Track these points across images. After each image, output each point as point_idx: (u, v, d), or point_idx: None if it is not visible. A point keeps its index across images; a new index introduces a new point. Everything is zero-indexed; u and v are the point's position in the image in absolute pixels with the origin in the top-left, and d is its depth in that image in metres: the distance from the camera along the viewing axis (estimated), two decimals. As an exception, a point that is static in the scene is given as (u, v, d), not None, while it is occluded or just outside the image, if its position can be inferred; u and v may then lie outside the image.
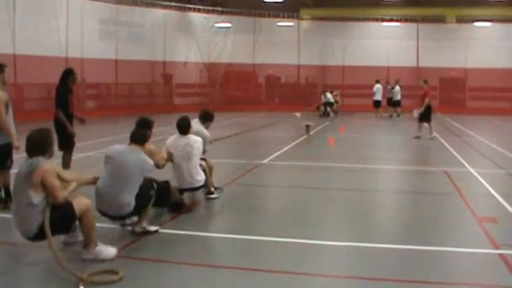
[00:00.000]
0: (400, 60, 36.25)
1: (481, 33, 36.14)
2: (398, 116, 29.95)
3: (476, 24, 36.63)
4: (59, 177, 5.96)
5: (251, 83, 39.05)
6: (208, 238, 7.13)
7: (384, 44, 36.66)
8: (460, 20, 37.11)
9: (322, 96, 31.54)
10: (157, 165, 7.57)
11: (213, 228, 7.76)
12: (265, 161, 13.55)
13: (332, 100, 31.50)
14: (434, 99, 34.81)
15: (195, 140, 8.60)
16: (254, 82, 39.18)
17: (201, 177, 8.58)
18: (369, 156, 15.39)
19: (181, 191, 8.52)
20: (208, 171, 9.03)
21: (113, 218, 6.80)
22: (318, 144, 18.12)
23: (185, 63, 35.67)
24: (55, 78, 10.38)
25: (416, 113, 19.58)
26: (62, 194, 5.74)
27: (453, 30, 36.84)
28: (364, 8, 37.78)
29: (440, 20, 37.37)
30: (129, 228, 7.02)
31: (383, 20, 37.95)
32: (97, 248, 6.00)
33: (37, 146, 5.82)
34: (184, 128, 8.66)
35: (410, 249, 6.66)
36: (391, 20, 37.76)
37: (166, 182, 7.78)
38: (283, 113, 30.53)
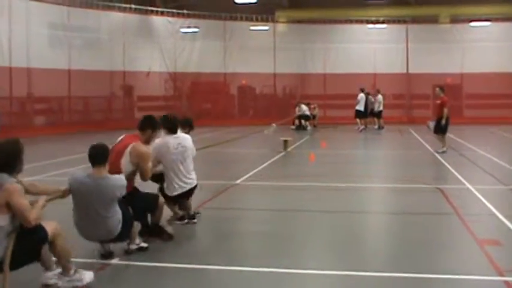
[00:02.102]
0: (388, 66, 36.67)
1: (478, 33, 36.66)
2: (382, 128, 30.17)
3: (473, 24, 37.14)
4: (27, 190, 5.84)
5: (222, 94, 39.11)
6: (177, 270, 7.00)
7: (370, 48, 37.03)
8: (455, 19, 37.62)
9: (297, 109, 31.65)
10: (144, 176, 7.62)
11: (181, 258, 7.59)
12: (238, 181, 13.46)
13: (308, 113, 31.64)
14: (427, 109, 35.31)
15: (185, 138, 8.72)
16: (225, 93, 39.24)
17: (194, 177, 8.78)
18: (355, 173, 15.39)
19: (176, 198, 8.66)
20: None
21: (107, 242, 7.02)
22: (297, 162, 18.07)
23: (148, 73, 35.56)
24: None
25: (431, 125, 19.31)
26: (33, 216, 5.53)
27: (447, 32, 37.35)
28: (347, 9, 38.13)
29: (432, 20, 37.86)
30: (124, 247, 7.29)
31: (368, 22, 38.35)
32: (77, 274, 6.05)
33: (0, 161, 5.62)
34: (174, 125, 8.68)
35: (403, 277, 6.59)
36: (377, 22, 38.17)
37: (155, 196, 7.92)
38: (258, 127, 30.53)
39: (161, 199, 8.11)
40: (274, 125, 21.53)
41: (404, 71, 37.40)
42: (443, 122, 18.77)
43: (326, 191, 12.62)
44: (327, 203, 11.27)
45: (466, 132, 28.04)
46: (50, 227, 5.79)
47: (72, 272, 6.03)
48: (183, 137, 8.81)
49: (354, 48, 37.60)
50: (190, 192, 8.89)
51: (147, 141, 7.87)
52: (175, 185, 8.62)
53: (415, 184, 13.44)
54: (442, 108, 18.89)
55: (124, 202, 6.99)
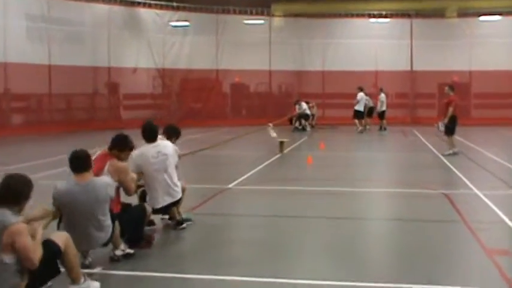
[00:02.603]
0: (391, 63, 36.65)
1: (487, 28, 36.67)
2: (385, 129, 30.17)
3: (482, 18, 37.15)
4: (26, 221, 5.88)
5: (214, 92, 39.04)
6: (162, 279, 6.96)
7: (371, 44, 37.03)
8: (462, 13, 37.55)
9: (297, 107, 31.61)
10: (128, 191, 7.76)
11: (167, 266, 7.54)
12: (231, 185, 13.46)
13: (308, 112, 31.61)
14: (432, 108, 35.33)
15: (165, 145, 8.70)
16: (217, 92, 39.18)
17: (179, 187, 8.79)
18: (355, 177, 15.39)
19: (158, 211, 8.67)
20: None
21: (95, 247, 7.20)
22: (293, 165, 18.08)
23: (134, 70, 35.49)
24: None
25: (441, 126, 19.35)
26: (37, 257, 5.57)
27: (454, 26, 37.33)
28: (347, 2, 38.16)
29: (438, 14, 37.86)
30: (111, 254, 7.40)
31: (370, 16, 38.35)
32: (86, 282, 6.25)
33: (6, 196, 5.66)
34: (152, 133, 8.65)
35: (407, 289, 6.56)
36: (380, 16, 38.17)
37: (142, 207, 8.02)
38: (252, 128, 30.47)
39: (149, 209, 8.20)
40: (270, 125, 21.47)
41: (408, 68, 37.40)
42: (446, 121, 18.93)
43: (324, 196, 12.61)
44: (324, 209, 11.23)
45: (474, 133, 28.04)
46: (60, 239, 5.97)
47: (82, 280, 6.21)
48: (162, 145, 8.75)
49: (354, 44, 37.59)
50: (175, 203, 8.89)
51: (119, 158, 7.90)
52: (160, 198, 8.60)
53: (419, 189, 13.42)
54: (448, 107, 19.02)
55: (115, 218, 7.22)
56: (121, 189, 7.87)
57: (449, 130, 18.99)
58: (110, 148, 7.93)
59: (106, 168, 7.60)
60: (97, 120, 32.16)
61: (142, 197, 8.93)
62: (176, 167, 9.07)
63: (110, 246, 7.41)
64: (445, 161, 17.72)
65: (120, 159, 7.87)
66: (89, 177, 6.86)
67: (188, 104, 38.23)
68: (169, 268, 7.35)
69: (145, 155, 8.51)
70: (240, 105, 40.66)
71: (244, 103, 40.67)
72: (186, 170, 16.77)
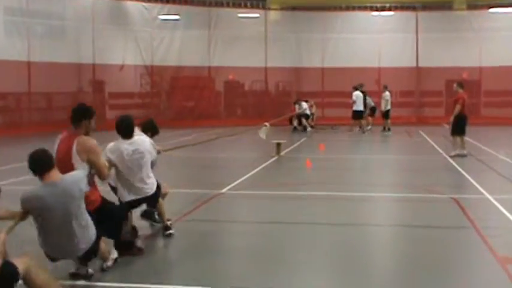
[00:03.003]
0: (395, 59, 36.70)
1: (498, 21, 36.72)
2: (389, 130, 30.15)
3: (493, 10, 37.17)
4: None
5: (206, 91, 39.06)
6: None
7: (374, 39, 37.09)
8: (472, 5, 37.67)
9: (297, 107, 31.61)
10: (100, 173, 7.57)
11: (153, 277, 7.49)
12: (224, 190, 13.43)
13: (308, 112, 31.63)
14: (439, 107, 35.34)
15: (142, 142, 8.62)
16: (210, 90, 39.21)
17: (152, 182, 8.69)
18: (357, 181, 15.41)
19: (133, 204, 8.62)
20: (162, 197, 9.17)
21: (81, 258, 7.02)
22: (291, 168, 18.08)
23: (121, 67, 35.49)
24: None
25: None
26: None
27: (463, 19, 37.36)
28: (349, -6, 38.23)
29: (445, 6, 37.98)
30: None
31: (372, 9, 38.42)
32: None
33: None
34: (127, 129, 8.56)
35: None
36: (383, 9, 38.21)
37: (121, 206, 8.00)
38: (246, 128, 30.43)
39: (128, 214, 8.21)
40: (267, 124, 21.39)
41: (414, 64, 37.45)
42: (451, 119, 19.07)
43: (324, 201, 12.61)
44: (324, 215, 11.20)
45: (484, 133, 28.07)
46: (20, 263, 5.75)
47: None
48: (139, 141, 8.65)
49: (356, 38, 37.63)
50: (145, 199, 8.78)
51: (87, 134, 7.70)
52: (128, 190, 8.51)
53: (425, 193, 13.39)
54: (455, 105, 19.17)
55: (94, 219, 7.05)
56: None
57: (457, 130, 19.06)
58: (77, 121, 7.68)
59: (74, 147, 7.39)
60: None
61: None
62: (153, 163, 9.00)
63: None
64: (453, 163, 17.71)
65: (87, 134, 7.67)
66: (55, 175, 6.63)
67: (179, 103, 38.22)
68: (154, 278, 7.32)
69: (120, 152, 8.41)
70: (234, 105, 40.66)
71: (239, 102, 40.67)
72: (178, 173, 16.83)
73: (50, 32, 32.22)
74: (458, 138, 19.18)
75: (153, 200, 8.91)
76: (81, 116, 7.71)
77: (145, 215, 9.41)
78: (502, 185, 14.17)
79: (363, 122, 30.34)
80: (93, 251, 6.99)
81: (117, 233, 7.77)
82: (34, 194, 6.54)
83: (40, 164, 6.61)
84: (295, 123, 31.44)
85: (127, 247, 7.96)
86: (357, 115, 30.28)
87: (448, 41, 36.11)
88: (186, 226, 10.03)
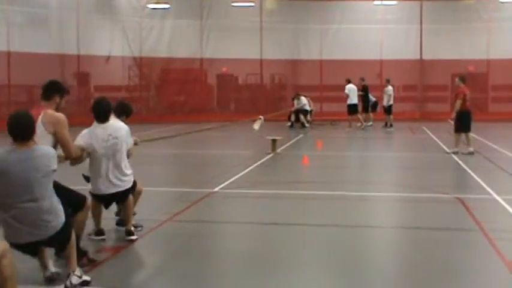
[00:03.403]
0: (398, 51, 36.68)
1: (508, 11, 36.66)
2: (391, 126, 30.19)
3: (503, -1, 37.16)
4: None
5: (198, 84, 39.08)
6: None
7: (376, 29, 37.12)
8: (480, -6, 37.59)
9: (295, 102, 31.59)
10: (66, 149, 7.49)
11: (149, 282, 7.49)
12: (217, 189, 13.42)
13: (307, 107, 31.62)
14: (444, 102, 35.33)
15: (118, 128, 8.68)
16: (202, 83, 39.23)
17: (128, 177, 8.72)
18: (358, 180, 15.42)
19: (101, 198, 8.61)
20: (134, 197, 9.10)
21: (39, 245, 6.68)
22: (288, 165, 18.10)
23: (107, 58, 35.48)
24: None
25: None
26: None
27: (470, 9, 37.34)
28: (349, -17, 38.21)
29: (452, -5, 37.88)
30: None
31: (374, -2, 38.38)
32: None
33: None
34: (103, 112, 8.62)
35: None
36: (385, -2, 38.23)
37: (82, 195, 7.79)
38: (240, 124, 30.49)
39: (89, 200, 8.04)
40: (261, 117, 21.41)
41: (418, 57, 37.46)
42: (453, 115, 19.36)
43: (322, 201, 12.61)
44: (323, 216, 11.19)
45: (492, 130, 28.12)
46: None
47: None
48: (115, 127, 8.71)
49: (356, 29, 37.64)
50: (120, 194, 8.77)
51: (57, 110, 7.68)
52: (101, 184, 8.57)
53: (430, 193, 13.38)
54: (456, 100, 19.40)
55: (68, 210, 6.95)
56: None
57: (460, 126, 19.25)
58: (48, 95, 7.71)
59: (40, 118, 7.36)
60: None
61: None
62: (128, 154, 9.03)
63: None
64: (459, 161, 17.73)
65: (58, 110, 7.67)
66: (31, 145, 6.53)
67: (169, 97, 38.24)
68: (142, 282, 7.36)
69: (96, 137, 8.49)
70: (227, 99, 40.66)
71: (233, 96, 40.68)
72: (167, 171, 16.85)
73: (31, 20, 32.11)
74: (463, 135, 19.31)
75: (126, 196, 8.86)
76: (53, 90, 7.76)
77: (121, 223, 9.42)
78: (510, 185, 14.19)
79: (360, 117, 30.38)
80: (65, 236, 6.76)
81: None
82: (2, 157, 6.47)
83: (18, 130, 6.51)
84: (292, 119, 31.41)
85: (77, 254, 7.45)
86: (351, 109, 30.39)
87: (454, 32, 36.10)
88: (176, 227, 10.04)
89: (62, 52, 32.87)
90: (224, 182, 14.24)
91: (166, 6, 37.17)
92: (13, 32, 30.41)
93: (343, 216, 11.13)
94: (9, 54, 30.17)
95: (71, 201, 7.40)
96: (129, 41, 36.14)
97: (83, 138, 8.50)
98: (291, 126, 30.91)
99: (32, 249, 6.70)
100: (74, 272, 6.82)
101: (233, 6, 38.15)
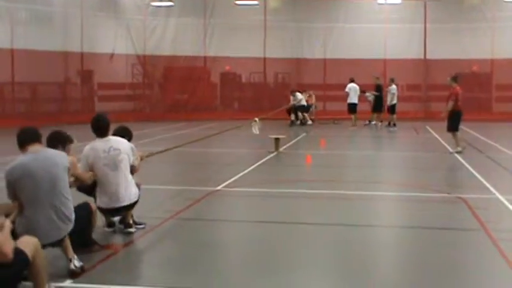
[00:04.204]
0: (402, 50, 36.61)
1: (512, 11, 36.59)
2: (394, 125, 30.19)
3: (507, -2, 37.06)
4: None
5: (201, 82, 39.02)
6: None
7: (380, 28, 37.06)
8: (484, -7, 37.49)
9: (291, 98, 31.53)
10: (82, 181, 8.25)
11: (151, 280, 7.47)
12: (220, 187, 13.42)
13: (304, 103, 31.52)
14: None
15: (119, 141, 8.91)
16: (205, 81, 39.16)
17: (132, 191, 8.93)
18: (360, 179, 15.36)
19: (112, 212, 8.85)
20: None
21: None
22: (291, 164, 18.08)
23: (111, 56, 35.46)
24: None
25: None
26: (8, 248, 5.71)
27: (474, 9, 37.21)
28: (353, -18, 38.13)
29: (456, -6, 37.78)
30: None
31: (378, -3, 38.31)
32: None
33: None
34: (103, 127, 8.87)
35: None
36: (390, -3, 38.14)
37: (85, 205, 8.02)
38: (244, 122, 30.41)
39: (93, 205, 8.21)
40: (256, 119, 21.36)
41: (422, 56, 37.40)
42: (443, 114, 19.73)
43: (325, 200, 12.60)
44: (325, 215, 11.17)
45: (496, 130, 28.10)
46: (29, 246, 6.01)
47: None
48: (118, 140, 8.95)
49: (360, 28, 37.57)
50: (128, 206, 9.01)
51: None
52: (106, 198, 8.77)
53: (432, 193, 13.34)
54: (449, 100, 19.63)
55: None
56: None
57: (451, 126, 19.50)
58: (52, 146, 8.03)
59: None
60: (67, 113, 32.05)
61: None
62: (132, 169, 9.18)
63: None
64: (462, 160, 17.69)
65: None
66: (38, 147, 7.20)
67: (172, 95, 38.18)
68: (144, 280, 7.34)
69: (96, 150, 8.74)
70: (231, 97, 40.64)
71: (236, 95, 40.65)
72: (170, 168, 16.81)
73: (36, 18, 32.09)
74: (455, 134, 19.58)
75: (130, 208, 9.10)
76: (56, 141, 8.14)
77: (123, 221, 9.47)
78: (514, 185, 14.18)
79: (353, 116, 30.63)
80: (86, 231, 7.58)
81: (80, 236, 7.84)
82: (17, 162, 7.04)
83: (27, 136, 7.20)
84: (292, 116, 31.36)
85: (86, 244, 8.09)
86: (351, 108, 30.55)
87: (458, 31, 36.03)
88: (178, 225, 10.04)
89: (65, 50, 32.88)
90: (226, 180, 14.23)
91: (170, 4, 37.13)
92: (17, 29, 30.43)
93: (346, 215, 11.11)
94: (13, 51, 30.14)
95: (80, 215, 7.75)
96: (132, 39, 36.16)
97: (85, 156, 8.75)
98: (292, 124, 30.87)
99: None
100: (74, 257, 7.28)
101: (237, 4, 38.11)
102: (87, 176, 8.44)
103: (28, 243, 6.04)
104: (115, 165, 8.72)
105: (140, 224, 9.45)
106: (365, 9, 38.27)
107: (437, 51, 36.29)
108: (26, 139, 7.17)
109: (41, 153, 7.11)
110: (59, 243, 7.21)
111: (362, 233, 9.94)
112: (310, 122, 31.19)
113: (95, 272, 7.52)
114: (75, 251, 7.42)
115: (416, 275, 7.71)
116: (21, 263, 5.88)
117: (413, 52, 37.08)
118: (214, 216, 11.17)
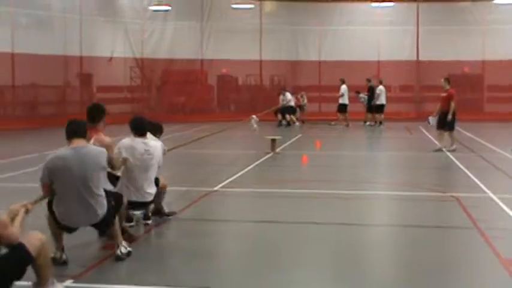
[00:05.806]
0: (395, 52, 36.68)
1: (503, 13, 36.66)
2: (381, 123, 30.33)
3: (497, 2, 37.15)
4: None
5: (198, 85, 39.00)
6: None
7: (373, 31, 37.08)
8: (476, -4, 37.53)
9: (280, 98, 31.48)
10: (113, 166, 8.47)
11: (148, 279, 7.43)
12: (217, 188, 13.40)
13: (292, 103, 31.45)
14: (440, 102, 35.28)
15: (155, 147, 9.17)
16: (202, 84, 39.17)
17: (153, 191, 9.13)
18: (355, 179, 15.35)
19: (133, 205, 9.06)
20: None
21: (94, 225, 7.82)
22: (287, 165, 18.08)
23: (110, 59, 35.38)
24: None
25: (432, 120, 20.43)
26: (14, 232, 5.83)
27: (465, 11, 37.29)
28: (347, -15, 38.16)
29: (448, -3, 37.81)
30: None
31: (372, 0, 38.28)
32: (52, 286, 6.39)
33: None
34: (142, 127, 9.15)
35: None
36: (383, 0, 38.12)
37: (118, 193, 8.36)
38: (240, 124, 30.42)
39: (125, 199, 8.51)
40: (253, 116, 21.33)
41: (414, 58, 37.44)
42: (450, 116, 19.68)
43: (321, 200, 12.56)
44: (321, 214, 11.14)
45: (487, 130, 28.11)
46: (33, 243, 5.99)
47: (49, 284, 6.36)
48: (153, 145, 9.17)
49: (354, 31, 37.61)
50: (142, 204, 9.20)
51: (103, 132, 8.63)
52: (128, 191, 8.90)
53: (425, 191, 13.36)
54: (448, 101, 19.79)
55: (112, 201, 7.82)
56: None
57: (450, 125, 19.83)
58: (95, 120, 8.72)
59: (91, 142, 8.26)
60: (67, 116, 31.86)
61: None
62: (158, 166, 9.37)
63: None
64: (455, 160, 17.71)
65: (104, 133, 8.52)
66: (82, 143, 7.53)
67: (170, 97, 38.21)
68: (141, 280, 7.28)
69: (134, 149, 8.92)
70: (227, 99, 40.63)
71: (233, 97, 40.64)
72: (168, 170, 16.76)
73: (35, 22, 31.98)
74: (448, 133, 19.90)
75: (149, 205, 9.40)
76: (101, 115, 8.89)
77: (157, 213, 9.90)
78: (506, 184, 14.16)
79: (346, 116, 30.84)
80: (109, 219, 7.70)
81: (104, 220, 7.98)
82: (58, 154, 7.43)
83: (72, 129, 7.53)
84: (279, 117, 31.31)
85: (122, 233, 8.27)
86: (341, 108, 30.88)
87: (449, 33, 36.07)
88: (176, 225, 10.01)
89: (65, 53, 32.79)
90: (224, 180, 14.21)
91: (168, 8, 37.09)
92: (17, 33, 30.30)
93: (342, 215, 11.10)
94: (13, 55, 30.06)
95: (113, 200, 8.06)
96: (131, 43, 36.10)
97: (124, 148, 8.92)
98: (280, 124, 30.84)
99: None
100: (121, 243, 7.89)
101: (233, 8, 38.10)
102: (118, 164, 8.63)
103: (34, 240, 6.04)
104: (145, 169, 8.94)
105: (169, 215, 9.98)
106: (359, 12, 38.30)
107: (430, 53, 36.34)
108: (73, 132, 7.47)
109: (83, 149, 7.42)
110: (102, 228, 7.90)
111: (357, 232, 9.93)
112: (297, 124, 31.13)
113: (95, 272, 7.50)
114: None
115: (409, 273, 7.69)
116: (20, 258, 5.84)
117: (406, 54, 37.18)
118: (212, 216, 11.17)
